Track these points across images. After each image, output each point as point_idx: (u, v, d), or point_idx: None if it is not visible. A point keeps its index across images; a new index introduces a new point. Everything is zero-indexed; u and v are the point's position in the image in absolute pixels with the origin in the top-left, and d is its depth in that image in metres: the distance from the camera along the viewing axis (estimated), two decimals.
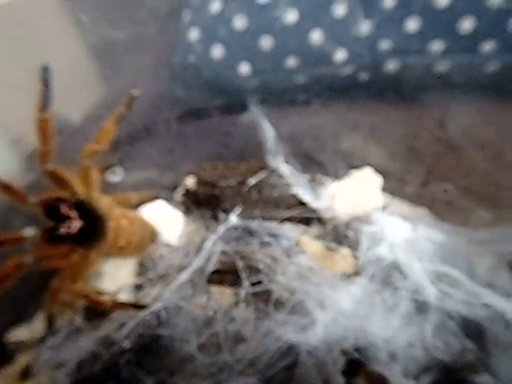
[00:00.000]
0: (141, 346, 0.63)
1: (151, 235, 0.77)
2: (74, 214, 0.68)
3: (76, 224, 0.68)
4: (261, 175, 0.80)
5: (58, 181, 0.68)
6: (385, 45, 0.85)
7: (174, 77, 0.81)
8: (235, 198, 0.80)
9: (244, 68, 0.87)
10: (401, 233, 0.70)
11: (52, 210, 0.67)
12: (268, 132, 0.78)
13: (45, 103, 0.65)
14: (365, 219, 0.73)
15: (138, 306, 0.66)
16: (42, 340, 0.69)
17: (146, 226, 0.77)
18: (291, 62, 0.87)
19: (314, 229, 0.80)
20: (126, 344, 0.63)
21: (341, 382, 0.61)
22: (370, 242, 0.70)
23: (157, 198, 0.85)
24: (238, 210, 0.77)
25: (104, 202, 0.73)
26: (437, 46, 0.83)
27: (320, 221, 0.81)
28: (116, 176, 0.80)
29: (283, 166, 0.78)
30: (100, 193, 0.74)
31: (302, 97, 0.92)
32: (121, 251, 0.74)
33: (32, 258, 0.65)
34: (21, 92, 0.81)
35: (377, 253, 0.69)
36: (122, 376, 0.61)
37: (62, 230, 0.66)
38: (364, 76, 0.92)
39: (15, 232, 0.66)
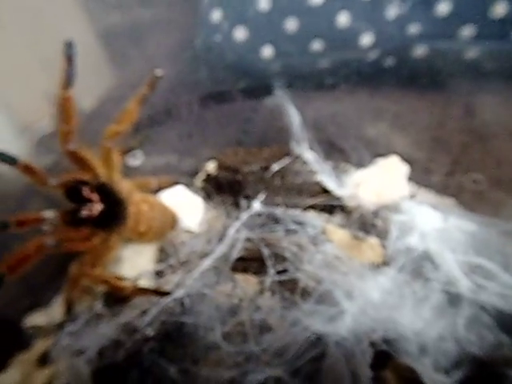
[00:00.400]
0: (164, 333, 0.61)
1: (172, 221, 0.75)
2: (95, 196, 0.66)
3: (97, 207, 0.66)
4: (284, 161, 0.77)
5: (80, 162, 0.66)
6: (414, 29, 0.82)
7: (196, 58, 0.78)
8: (258, 184, 0.77)
9: (267, 51, 0.84)
10: (431, 222, 0.68)
11: (73, 192, 0.66)
12: (293, 117, 0.75)
13: (68, 80, 0.62)
14: (394, 208, 0.70)
15: (160, 293, 0.64)
16: (60, 326, 0.67)
17: (166, 211, 0.75)
18: (316, 45, 0.84)
19: (338, 217, 0.78)
20: (149, 331, 0.61)
21: (369, 374, 0.59)
22: (399, 232, 0.67)
23: (176, 183, 0.83)
24: (261, 196, 0.74)
25: (125, 186, 0.71)
26: (467, 30, 0.80)
27: (343, 209, 0.79)
28: (136, 160, 0.77)
29: (308, 153, 0.76)
30: (121, 176, 0.72)
31: (326, 82, 0.89)
32: (141, 237, 0.72)
33: (53, 240, 0.63)
34: (30, 79, 0.79)
35: (407, 242, 0.67)
36: (145, 364, 0.59)
37: (84, 213, 0.65)
38: (390, 61, 0.89)
39: (35, 213, 0.64)
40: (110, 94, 0.86)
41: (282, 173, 0.78)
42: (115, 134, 0.69)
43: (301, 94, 0.82)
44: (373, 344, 0.60)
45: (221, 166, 0.79)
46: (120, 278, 0.68)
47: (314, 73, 0.88)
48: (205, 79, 0.78)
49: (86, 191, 0.65)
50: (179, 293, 0.63)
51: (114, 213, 0.68)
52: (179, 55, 0.78)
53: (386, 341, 0.61)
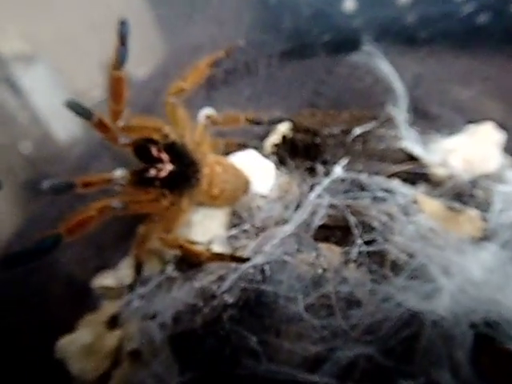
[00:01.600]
0: (244, 301, 0.57)
1: (245, 185, 0.70)
2: (165, 156, 0.62)
3: (167, 167, 0.62)
4: (369, 125, 0.70)
5: (137, 131, 0.63)
6: None
7: (278, 7, 0.72)
8: (337, 148, 0.71)
9: (349, 3, 0.77)
10: None
11: (143, 151, 0.62)
12: (386, 73, 0.68)
13: (120, 61, 0.59)
14: (497, 177, 0.63)
15: (238, 259, 0.60)
16: (130, 288, 0.65)
17: (240, 174, 0.70)
18: None
19: (423, 188, 0.71)
20: (228, 298, 0.57)
21: (467, 359, 0.53)
22: (503, 204, 0.60)
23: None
24: (343, 161, 0.68)
25: (198, 145, 0.66)
26: None
27: (429, 180, 0.72)
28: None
29: (401, 115, 0.68)
30: (192, 134, 0.67)
31: (411, 39, 0.81)
32: (213, 200, 0.68)
33: (120, 202, 0.60)
34: (83, 46, 0.75)
35: None
36: (223, 333, 0.56)
37: (152, 173, 0.61)
38: (484, 17, 0.79)
39: (103, 173, 0.61)
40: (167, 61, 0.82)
41: (363, 137, 0.71)
42: (180, 91, 0.66)
43: (387, 51, 0.74)
44: (473, 326, 0.54)
45: (297, 128, 0.73)
46: (193, 243, 0.64)
47: (399, 29, 0.80)
48: (285, 31, 0.72)
49: (154, 150, 0.62)
50: (259, 259, 0.58)
51: (186, 174, 0.64)
52: (260, 2, 0.71)
53: (488, 323, 0.54)
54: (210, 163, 0.66)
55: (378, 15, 0.76)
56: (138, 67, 0.81)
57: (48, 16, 0.76)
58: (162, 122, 0.66)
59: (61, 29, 0.76)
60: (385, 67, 0.70)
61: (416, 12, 0.79)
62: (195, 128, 0.68)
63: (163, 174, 0.62)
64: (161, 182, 0.62)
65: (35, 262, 0.52)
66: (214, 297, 0.58)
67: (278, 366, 0.53)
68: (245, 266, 0.58)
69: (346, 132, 0.71)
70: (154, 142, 0.63)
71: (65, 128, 0.81)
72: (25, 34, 0.75)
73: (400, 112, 0.70)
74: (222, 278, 0.59)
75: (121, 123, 0.61)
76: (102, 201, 0.59)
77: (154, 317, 0.59)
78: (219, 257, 0.61)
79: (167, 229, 0.62)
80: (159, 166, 0.62)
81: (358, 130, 0.71)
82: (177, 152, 0.64)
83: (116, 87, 0.60)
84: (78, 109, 0.57)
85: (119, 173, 0.61)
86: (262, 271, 0.58)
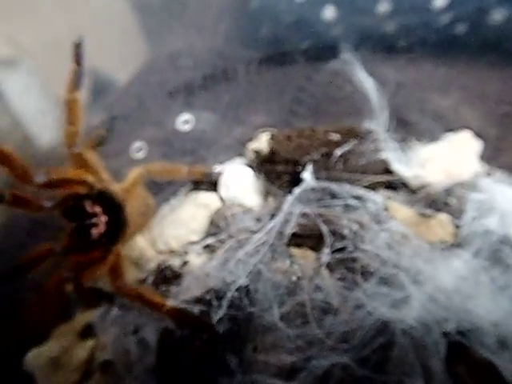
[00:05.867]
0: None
1: (153, 210, 0.70)
2: (98, 209, 0.58)
3: (102, 219, 0.58)
4: (348, 144, 0.70)
5: (84, 164, 0.60)
6: None
7: (257, 15, 0.72)
8: (319, 172, 0.70)
9: (329, 12, 0.77)
10: None
11: (74, 210, 0.57)
12: (364, 82, 0.68)
13: (77, 82, 0.59)
14: (470, 185, 0.63)
15: (204, 324, 0.57)
16: (109, 296, 0.63)
17: (149, 201, 0.69)
18: (384, 6, 0.77)
19: (402, 195, 0.71)
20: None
21: (442, 367, 0.54)
22: (476, 212, 0.61)
23: (208, 174, 0.76)
24: (310, 168, 0.68)
25: (117, 187, 0.63)
26: None
27: (408, 187, 0.73)
28: (187, 125, 0.72)
29: (380, 128, 0.68)
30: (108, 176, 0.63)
31: (390, 48, 0.82)
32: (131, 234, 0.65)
33: (71, 272, 0.56)
34: (65, 51, 0.75)
35: (485, 224, 0.60)
36: (200, 348, 0.55)
37: (94, 233, 0.57)
38: (462, 28, 0.80)
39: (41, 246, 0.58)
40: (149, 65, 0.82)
41: (344, 157, 0.71)
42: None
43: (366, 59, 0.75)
44: (445, 335, 0.55)
45: (277, 160, 0.72)
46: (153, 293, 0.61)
47: (378, 37, 0.80)
48: (265, 38, 0.72)
49: (89, 205, 0.57)
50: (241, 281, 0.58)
51: (119, 219, 0.60)
52: (239, 9, 0.71)
53: (461, 332, 0.55)
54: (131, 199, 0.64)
55: (357, 23, 0.77)
56: (119, 73, 0.81)
57: (30, 20, 0.75)
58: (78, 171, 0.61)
59: (43, 33, 0.75)
60: (364, 75, 0.70)
61: (395, 21, 0.80)
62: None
63: (102, 228, 0.58)
64: (102, 236, 0.58)
65: None
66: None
67: (254, 378, 0.53)
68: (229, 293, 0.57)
69: (327, 155, 0.70)
70: (83, 197, 0.58)
71: (45, 132, 0.80)
72: (7, 38, 0.75)
73: (379, 121, 0.70)
74: (198, 299, 0.58)
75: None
76: (55, 274, 0.57)
77: (135, 332, 0.58)
78: (180, 314, 0.57)
79: (119, 276, 0.59)
80: (94, 220, 0.57)
81: (338, 152, 0.70)
82: (106, 200, 0.59)
83: (72, 109, 0.59)
84: None
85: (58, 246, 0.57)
86: (247, 293, 0.57)
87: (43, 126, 0.80)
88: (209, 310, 0.57)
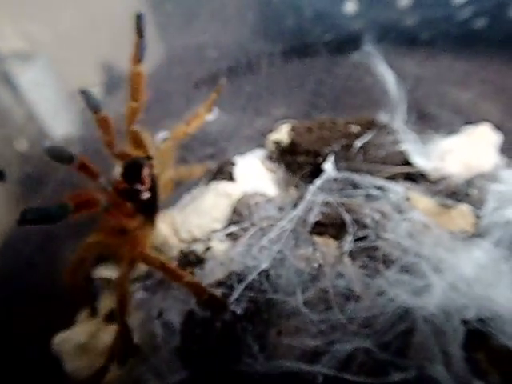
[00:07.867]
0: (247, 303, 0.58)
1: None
2: (148, 182, 0.59)
3: (145, 194, 0.59)
4: (368, 135, 0.71)
5: (139, 144, 0.61)
6: None
7: (281, 8, 0.73)
8: (340, 163, 0.71)
9: (351, 5, 0.78)
10: None
11: (133, 168, 0.58)
12: (385, 76, 0.69)
13: (139, 54, 0.58)
14: (491, 177, 0.64)
15: (216, 300, 0.58)
16: (132, 281, 0.65)
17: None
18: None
19: (422, 186, 0.72)
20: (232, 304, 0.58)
21: (461, 354, 0.55)
22: (497, 202, 0.61)
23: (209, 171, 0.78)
24: (331, 159, 0.69)
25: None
26: None
27: (427, 178, 0.73)
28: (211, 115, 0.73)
29: (399, 120, 0.69)
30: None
31: (410, 42, 0.82)
32: None
33: (105, 201, 0.57)
34: (81, 45, 0.76)
35: (505, 215, 0.61)
36: (223, 331, 0.57)
37: (138, 187, 0.58)
38: (482, 22, 0.81)
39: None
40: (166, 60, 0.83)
41: (364, 148, 0.72)
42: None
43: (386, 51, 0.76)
44: (465, 322, 0.55)
45: (297, 150, 0.74)
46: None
47: (399, 31, 0.81)
48: (288, 31, 0.73)
49: (146, 171, 0.58)
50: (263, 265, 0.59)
51: (154, 205, 0.63)
52: (263, 2, 0.72)
53: (480, 320, 0.56)
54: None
55: (378, 17, 0.78)
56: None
57: (46, 15, 0.76)
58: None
59: (58, 28, 0.76)
60: (384, 68, 0.71)
61: (416, 15, 0.81)
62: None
63: (143, 196, 0.59)
64: (138, 203, 0.60)
65: (47, 223, 0.48)
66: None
67: (277, 361, 0.55)
68: (250, 276, 0.58)
69: (347, 147, 0.72)
70: (146, 166, 0.59)
71: (60, 125, 0.81)
72: (23, 33, 0.76)
73: (398, 113, 0.71)
74: (220, 282, 0.59)
75: (136, 127, 0.59)
76: (94, 191, 0.57)
77: (160, 315, 0.60)
78: (198, 288, 0.58)
79: (141, 246, 0.60)
80: (140, 187, 0.58)
81: (358, 143, 0.71)
82: (153, 184, 0.61)
83: (135, 83, 0.58)
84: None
85: (116, 170, 0.60)
86: (268, 277, 0.58)
87: (58, 119, 0.81)
88: (230, 293, 0.58)
